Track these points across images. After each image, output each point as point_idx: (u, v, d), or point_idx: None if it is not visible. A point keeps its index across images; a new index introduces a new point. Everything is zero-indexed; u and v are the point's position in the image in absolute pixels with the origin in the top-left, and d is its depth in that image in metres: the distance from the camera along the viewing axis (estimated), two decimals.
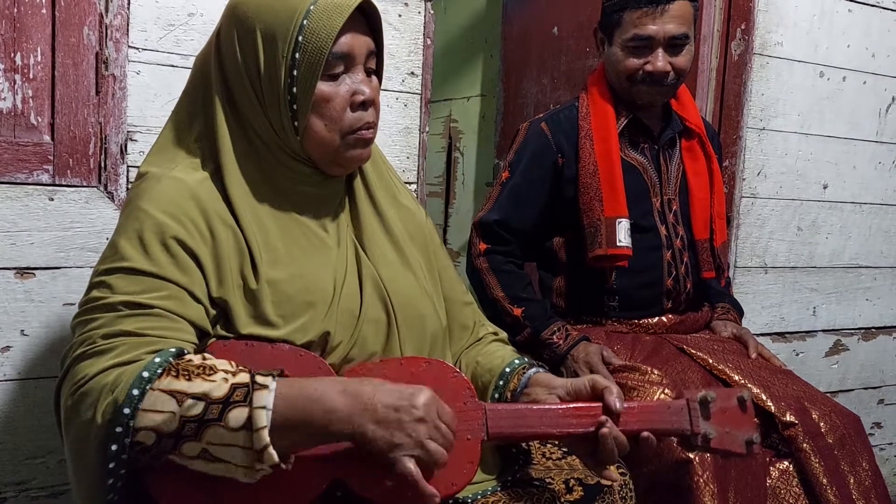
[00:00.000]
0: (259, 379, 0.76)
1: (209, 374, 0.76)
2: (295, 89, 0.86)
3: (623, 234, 1.39)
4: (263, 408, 0.73)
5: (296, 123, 0.88)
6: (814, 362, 2.14)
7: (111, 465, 0.74)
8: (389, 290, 0.94)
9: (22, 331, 1.25)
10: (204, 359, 0.78)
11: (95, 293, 0.82)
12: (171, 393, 0.74)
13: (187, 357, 0.78)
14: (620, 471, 1.02)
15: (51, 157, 1.25)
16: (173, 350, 0.78)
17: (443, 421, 0.79)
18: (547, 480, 0.97)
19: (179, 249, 0.83)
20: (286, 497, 0.81)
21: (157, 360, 0.76)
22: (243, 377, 0.76)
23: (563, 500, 0.95)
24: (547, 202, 1.49)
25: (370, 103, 0.90)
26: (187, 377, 0.75)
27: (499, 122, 2.71)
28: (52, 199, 1.25)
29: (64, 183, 1.26)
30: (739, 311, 1.63)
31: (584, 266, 1.46)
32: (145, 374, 0.75)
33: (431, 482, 0.83)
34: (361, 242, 0.96)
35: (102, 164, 1.28)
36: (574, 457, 1.04)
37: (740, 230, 1.98)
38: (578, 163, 1.46)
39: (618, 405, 0.87)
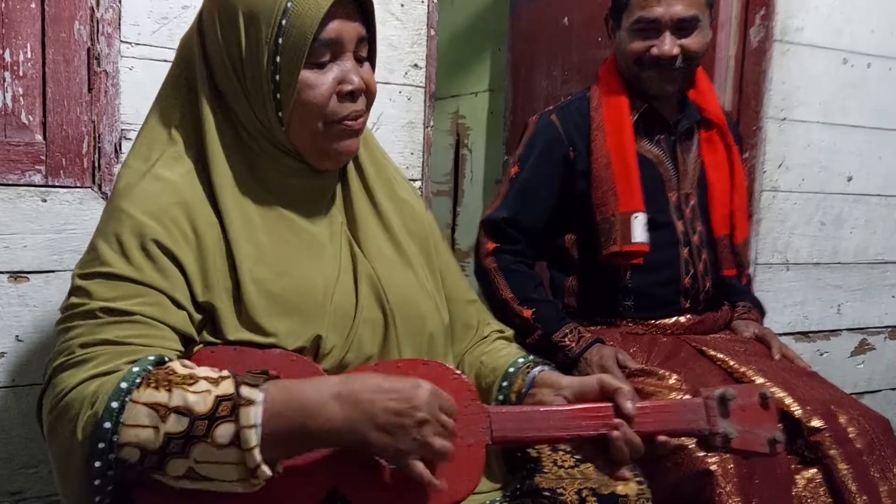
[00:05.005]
0: (245, 392, 0.71)
1: (190, 384, 0.72)
2: (278, 77, 0.82)
3: (639, 229, 1.35)
4: (252, 426, 0.70)
5: (280, 114, 0.84)
6: (839, 362, 2.09)
7: (96, 482, 0.71)
8: (386, 288, 0.90)
9: (17, 336, 1.22)
10: (184, 366, 0.75)
11: (74, 299, 0.79)
12: (152, 406, 0.71)
13: (167, 365, 0.75)
14: (637, 479, 0.97)
15: (43, 157, 1.22)
16: (152, 358, 0.75)
17: (444, 411, 0.76)
18: (558, 490, 0.93)
19: (160, 253, 0.80)
20: None
21: (136, 369, 0.73)
22: (227, 387, 0.72)
23: None
24: (558, 198, 1.44)
25: (359, 93, 0.86)
26: (167, 388, 0.71)
27: (508, 117, 2.67)
28: (45, 201, 1.22)
29: (57, 184, 1.23)
30: (761, 311, 1.58)
31: (598, 264, 1.42)
32: (123, 385, 0.71)
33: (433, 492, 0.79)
34: (357, 238, 0.93)
35: (96, 164, 1.25)
36: (588, 465, 0.99)
37: (761, 225, 1.93)
38: (591, 156, 1.41)
39: (630, 408, 0.83)
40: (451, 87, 3.11)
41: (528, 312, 1.38)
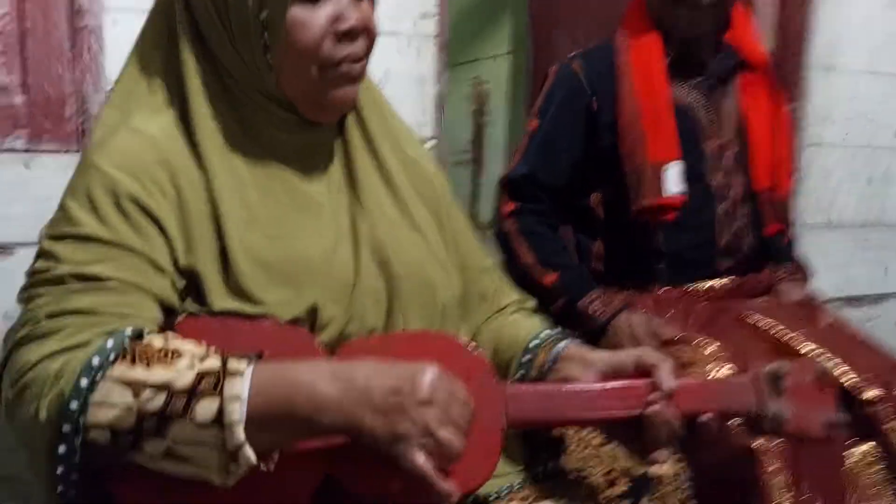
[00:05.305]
0: (231, 364, 0.66)
1: (172, 359, 0.66)
2: (265, 15, 0.74)
3: (673, 180, 1.26)
4: (237, 398, 0.63)
5: (269, 58, 0.76)
6: (887, 328, 2.00)
7: (60, 470, 0.66)
8: (391, 254, 0.83)
9: (4, 313, 1.17)
10: (166, 340, 0.68)
11: (41, 263, 0.73)
12: (128, 383, 0.64)
13: (147, 339, 0.68)
14: (674, 458, 0.91)
15: (25, 121, 1.17)
16: (129, 331, 0.68)
17: (456, 401, 0.68)
18: (584, 472, 0.90)
19: (137, 211, 0.73)
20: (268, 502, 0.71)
21: (110, 343, 0.66)
22: (213, 362, 0.66)
23: (604, 495, 0.87)
24: (581, 152, 1.36)
25: (357, 33, 0.77)
26: (146, 363, 0.65)
27: (530, 79, 2.58)
28: (29, 167, 1.17)
29: (41, 148, 1.18)
30: (807, 273, 1.48)
31: (627, 224, 1.34)
32: (96, 361, 0.65)
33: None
34: (358, 199, 0.85)
35: (82, 127, 1.20)
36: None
37: (803, 183, 1.86)
38: (617, 104, 1.32)
39: (670, 383, 0.76)
40: (469, 51, 3.02)
41: (551, 278, 1.31)
